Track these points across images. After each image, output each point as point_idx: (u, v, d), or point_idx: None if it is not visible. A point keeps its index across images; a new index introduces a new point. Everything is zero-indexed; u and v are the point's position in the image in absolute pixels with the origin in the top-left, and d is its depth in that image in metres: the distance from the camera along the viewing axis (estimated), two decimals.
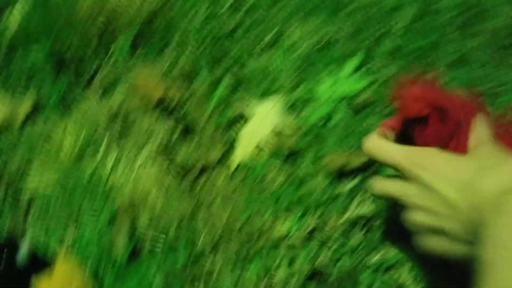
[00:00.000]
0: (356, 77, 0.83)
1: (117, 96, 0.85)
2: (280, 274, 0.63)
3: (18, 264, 0.53)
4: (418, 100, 0.46)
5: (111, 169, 0.76)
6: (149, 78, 0.82)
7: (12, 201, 0.76)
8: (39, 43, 0.92)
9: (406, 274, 0.61)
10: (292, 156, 0.74)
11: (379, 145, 0.47)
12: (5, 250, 0.53)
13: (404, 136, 0.48)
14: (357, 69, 0.84)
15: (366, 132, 0.74)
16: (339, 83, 0.81)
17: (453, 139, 0.45)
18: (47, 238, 0.71)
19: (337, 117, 0.77)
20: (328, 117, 0.77)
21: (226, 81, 0.85)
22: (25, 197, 0.77)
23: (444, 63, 0.81)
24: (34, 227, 0.73)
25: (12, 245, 0.54)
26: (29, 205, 0.76)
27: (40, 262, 0.55)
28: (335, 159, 0.71)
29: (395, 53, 0.87)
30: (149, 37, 0.90)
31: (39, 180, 0.77)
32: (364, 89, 0.80)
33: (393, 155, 0.45)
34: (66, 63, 0.89)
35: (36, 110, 0.87)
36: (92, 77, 0.88)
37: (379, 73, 0.83)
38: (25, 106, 0.87)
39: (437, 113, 0.45)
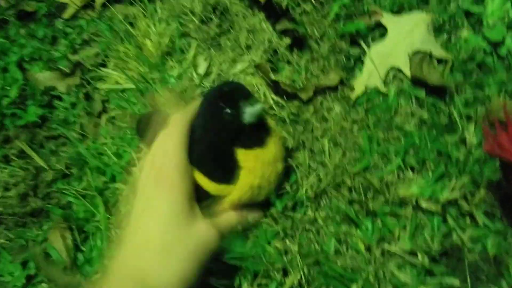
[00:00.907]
0: None
1: None
2: (400, 244, 0.48)
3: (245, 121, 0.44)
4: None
5: (203, 75, 0.61)
6: None
7: (88, 92, 0.65)
8: None
9: None
10: (437, 92, 0.55)
11: None
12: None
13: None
14: None
15: None
16: None
17: None
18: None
19: (506, 48, 0.56)
20: (494, 47, 0.56)
21: None
22: (102, 89, 0.65)
23: None
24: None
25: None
26: (105, 101, 0.64)
27: None
28: (497, 106, 0.51)
29: None
30: None
31: (120, 72, 0.64)
32: None
33: None
34: None
35: None
36: None
37: None
38: None
39: None
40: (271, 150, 0.46)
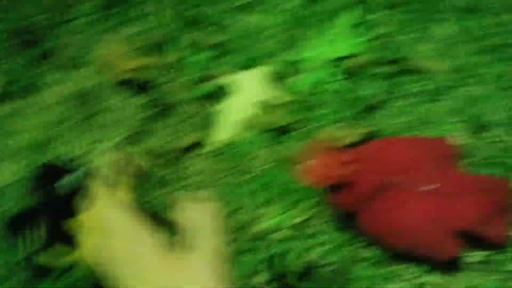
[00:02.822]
0: (352, 35, 0.67)
1: (83, 73, 0.71)
2: (260, 277, 0.51)
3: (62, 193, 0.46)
4: (321, 169, 0.46)
5: (79, 155, 0.63)
6: (116, 51, 0.67)
7: None
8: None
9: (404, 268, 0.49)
10: (281, 131, 0.60)
11: None
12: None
13: None
14: (354, 26, 0.68)
15: (364, 99, 0.60)
16: (332, 44, 0.65)
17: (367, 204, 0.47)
18: None
19: (331, 84, 0.63)
20: (321, 84, 0.63)
21: (203, 48, 0.69)
22: None
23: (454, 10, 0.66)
24: None
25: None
26: None
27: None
28: (329, 133, 0.57)
29: (396, 6, 0.71)
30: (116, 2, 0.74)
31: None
32: (362, 49, 0.64)
33: None
34: (28, 39, 0.75)
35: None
36: (56, 52, 0.74)
37: (377, 30, 0.68)
38: None
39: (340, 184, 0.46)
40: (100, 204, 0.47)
